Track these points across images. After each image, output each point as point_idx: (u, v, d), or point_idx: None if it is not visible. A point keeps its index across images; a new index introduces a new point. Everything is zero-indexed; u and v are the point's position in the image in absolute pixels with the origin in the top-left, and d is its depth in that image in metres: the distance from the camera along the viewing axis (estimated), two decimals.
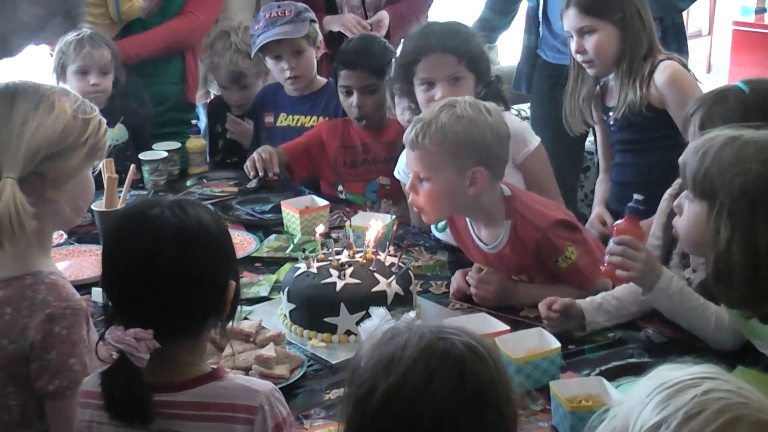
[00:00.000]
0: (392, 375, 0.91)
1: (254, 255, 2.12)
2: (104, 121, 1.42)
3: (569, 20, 2.09)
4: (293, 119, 2.74)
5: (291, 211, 2.25)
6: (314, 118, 2.69)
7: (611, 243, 1.59)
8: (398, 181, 2.31)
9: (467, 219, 1.85)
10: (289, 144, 2.57)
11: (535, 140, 2.08)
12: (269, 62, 2.65)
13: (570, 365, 1.56)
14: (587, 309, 1.66)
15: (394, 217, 2.01)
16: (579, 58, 2.12)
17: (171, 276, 1.11)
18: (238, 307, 1.19)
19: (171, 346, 1.13)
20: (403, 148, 1.85)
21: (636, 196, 1.58)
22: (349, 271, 1.70)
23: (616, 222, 1.63)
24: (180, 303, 1.12)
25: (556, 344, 1.53)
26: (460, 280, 1.84)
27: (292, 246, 2.11)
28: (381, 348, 0.95)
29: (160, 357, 1.12)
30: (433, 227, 2.16)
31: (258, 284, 1.94)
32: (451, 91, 1.99)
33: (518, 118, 2.06)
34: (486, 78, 2.10)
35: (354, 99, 2.45)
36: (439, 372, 0.91)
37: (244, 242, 2.21)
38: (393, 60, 2.32)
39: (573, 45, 2.11)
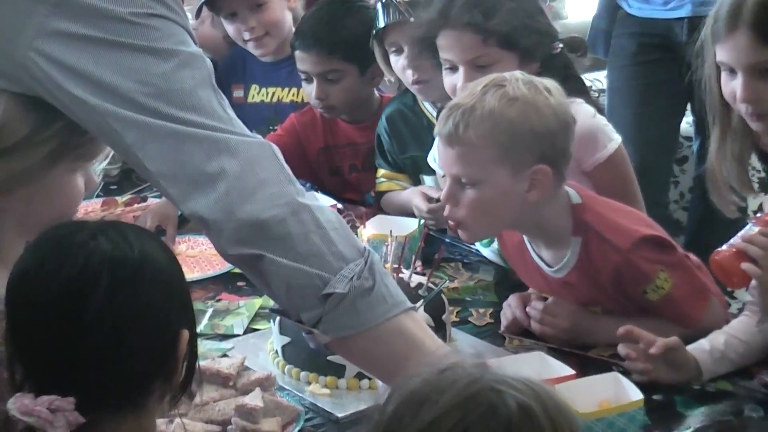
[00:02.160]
0: (417, 419, 0.92)
1: (235, 271, 2.12)
2: None
3: (736, 50, 1.63)
4: (267, 93, 2.78)
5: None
6: (294, 90, 2.73)
7: (750, 227, 1.59)
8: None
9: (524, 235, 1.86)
10: None
11: (612, 143, 2.04)
12: (225, 24, 2.69)
13: (656, 422, 1.56)
14: (703, 359, 1.66)
15: (422, 222, 2.04)
16: (744, 108, 1.67)
17: (102, 323, 1.08)
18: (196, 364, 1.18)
19: (101, 421, 1.10)
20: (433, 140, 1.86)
21: None
22: None
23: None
24: (114, 360, 1.10)
25: (638, 395, 1.53)
26: (516, 307, 1.85)
27: None
28: (425, 381, 0.95)
29: None
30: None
31: (234, 313, 1.96)
32: (477, 78, 1.93)
33: (593, 110, 2.02)
34: (539, 53, 2.07)
35: (313, 89, 2.49)
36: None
37: None
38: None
39: (739, 87, 1.65)
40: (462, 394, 0.92)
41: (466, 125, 1.68)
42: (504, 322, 1.87)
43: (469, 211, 1.73)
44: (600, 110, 2.08)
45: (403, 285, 1.72)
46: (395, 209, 2.36)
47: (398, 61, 2.34)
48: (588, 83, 2.34)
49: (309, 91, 2.53)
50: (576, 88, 2.06)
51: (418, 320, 1.35)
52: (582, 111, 1.97)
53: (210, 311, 1.97)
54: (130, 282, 1.10)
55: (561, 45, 2.11)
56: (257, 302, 1.98)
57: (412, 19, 2.24)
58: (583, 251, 1.76)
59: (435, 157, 2.21)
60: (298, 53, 2.50)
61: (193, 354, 1.17)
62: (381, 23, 2.35)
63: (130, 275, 1.10)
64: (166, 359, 1.13)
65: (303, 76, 2.52)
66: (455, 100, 1.77)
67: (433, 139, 2.15)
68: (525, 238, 1.85)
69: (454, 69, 2.07)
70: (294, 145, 2.59)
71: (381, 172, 2.52)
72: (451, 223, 1.79)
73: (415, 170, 2.47)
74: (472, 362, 0.97)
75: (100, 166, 1.50)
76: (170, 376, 1.14)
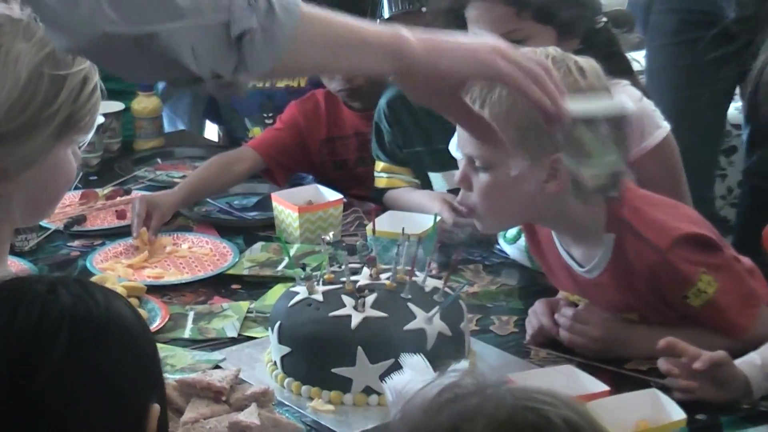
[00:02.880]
0: None
1: (230, 272, 2.15)
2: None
3: None
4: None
5: (286, 208, 2.25)
6: None
7: None
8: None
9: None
10: (259, 141, 2.60)
11: (660, 131, 2.05)
12: None
13: None
14: (754, 375, 1.64)
15: (438, 218, 2.02)
16: None
17: (58, 388, 1.04)
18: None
19: None
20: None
21: None
22: (370, 299, 1.71)
23: None
24: None
25: (680, 415, 1.52)
26: (543, 314, 1.85)
27: (286, 260, 2.12)
28: (433, 415, 0.93)
29: None
30: (500, 237, 2.19)
31: (221, 316, 1.97)
32: None
33: (639, 93, 2.02)
34: (579, 28, 2.07)
35: None
36: None
37: (215, 253, 2.24)
38: None
39: None
40: (495, 419, 0.90)
41: (483, 103, 1.68)
42: (529, 332, 1.86)
43: (481, 196, 1.74)
44: (647, 94, 2.07)
45: (417, 289, 1.73)
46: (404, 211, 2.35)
47: None
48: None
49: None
50: (620, 67, 2.05)
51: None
52: (627, 94, 1.96)
53: (191, 315, 1.98)
54: (93, 341, 1.07)
55: (605, 19, 2.10)
56: (244, 305, 2.00)
57: (424, 9, 2.23)
58: (617, 249, 1.75)
59: (456, 143, 2.17)
60: None
61: (163, 430, 1.13)
62: (386, 14, 2.34)
63: (94, 333, 1.07)
64: None
65: None
66: None
67: (443, 130, 2.16)
68: (553, 233, 1.85)
69: None
70: (296, 139, 2.60)
71: (380, 165, 2.51)
72: (464, 210, 1.80)
73: (419, 167, 2.47)
74: (473, 380, 0.94)
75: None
76: None
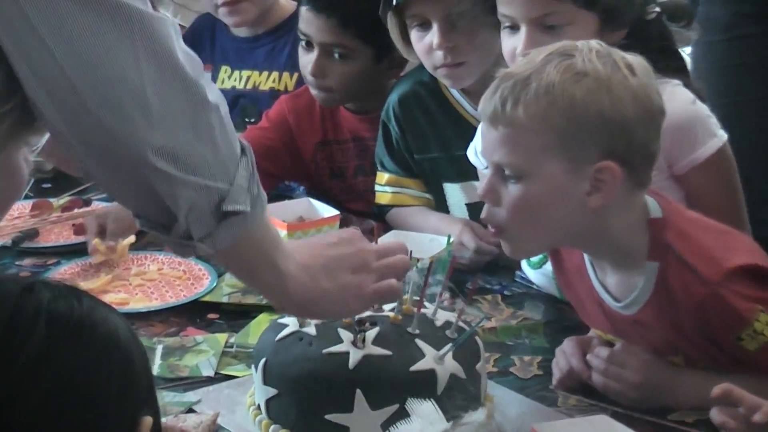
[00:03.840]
0: None
1: (206, 299, 2.17)
2: None
3: None
4: (240, 77, 2.83)
5: (274, 225, 2.26)
6: (275, 75, 2.78)
7: None
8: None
9: (584, 254, 1.85)
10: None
11: (715, 140, 2.05)
12: None
13: None
14: None
15: (452, 240, 2.02)
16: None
17: (35, 388, 1.06)
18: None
19: None
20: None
21: None
22: (371, 333, 1.70)
23: None
24: None
25: None
26: (572, 354, 1.85)
27: None
28: None
29: None
30: (524, 261, 2.19)
31: (194, 351, 1.98)
32: (542, 42, 1.93)
33: (693, 95, 2.02)
34: (627, 17, 2.07)
35: (312, 58, 2.51)
36: None
37: (189, 276, 2.27)
38: None
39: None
40: None
41: (516, 101, 1.68)
42: (557, 375, 1.86)
43: (511, 212, 1.73)
44: (701, 97, 2.08)
45: (426, 323, 1.74)
46: None
47: (422, 39, 2.36)
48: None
49: (305, 62, 2.54)
50: (673, 66, 2.06)
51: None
52: (678, 96, 1.97)
53: (160, 349, 1.99)
54: (73, 340, 1.09)
55: (658, 9, 2.11)
56: (222, 338, 2.01)
57: None
58: (661, 281, 1.75)
59: (477, 149, 2.19)
60: (303, 11, 2.53)
61: None
62: None
63: (75, 332, 1.10)
64: None
65: (303, 40, 2.54)
66: (508, 69, 1.76)
67: (463, 135, 2.17)
68: (586, 258, 1.85)
69: (514, 28, 2.07)
70: (284, 141, 2.62)
71: (384, 177, 2.53)
72: (491, 229, 1.79)
73: (434, 176, 2.48)
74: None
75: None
76: None
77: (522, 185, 1.71)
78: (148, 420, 1.14)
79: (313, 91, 2.58)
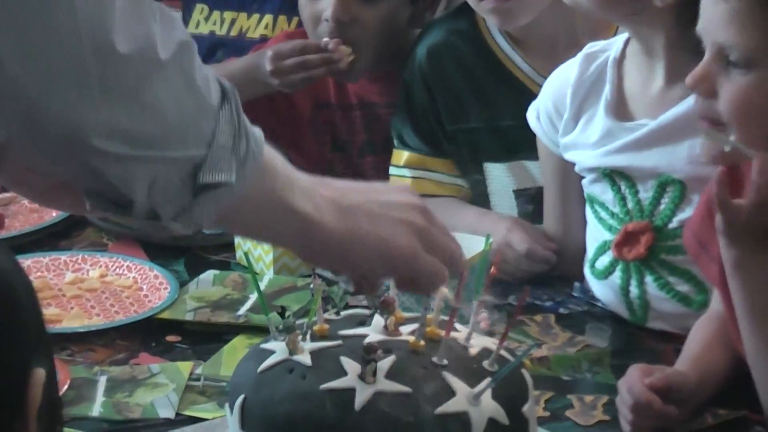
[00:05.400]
0: None
1: (164, 316, 2.18)
2: None
3: None
4: (222, 19, 2.87)
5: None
6: (267, 18, 2.84)
7: None
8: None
9: None
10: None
11: None
12: None
13: None
14: None
15: (490, 240, 1.98)
16: None
17: None
18: None
19: None
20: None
21: None
22: (385, 363, 1.68)
23: None
24: None
25: None
26: (637, 381, 1.86)
27: (253, 298, 2.17)
28: None
29: None
30: (587, 268, 2.25)
31: (148, 384, 1.98)
32: None
33: None
34: None
35: (327, 3, 2.52)
36: None
37: (141, 285, 2.28)
38: None
39: None
40: None
41: None
42: (626, 415, 1.87)
43: (732, 107, 1.77)
44: None
45: (457, 351, 1.71)
46: None
47: None
48: None
49: (316, 8, 2.55)
50: None
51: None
52: None
53: (102, 381, 1.99)
54: None
55: None
56: (185, 368, 2.02)
57: None
58: None
59: (539, 110, 2.25)
60: None
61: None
62: None
63: None
64: (9, 412, 1.16)
65: None
66: None
67: (512, 99, 2.22)
68: None
69: None
70: (268, 95, 2.62)
71: (403, 156, 2.56)
72: (703, 123, 1.83)
73: (472, 154, 2.49)
74: None
75: None
76: None
77: (752, 76, 1.75)
78: (39, 373, 1.17)
79: (319, 67, 2.54)
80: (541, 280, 2.27)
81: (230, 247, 2.35)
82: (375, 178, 2.56)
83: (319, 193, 1.56)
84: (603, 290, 2.21)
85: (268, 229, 1.56)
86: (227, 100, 1.46)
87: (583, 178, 2.26)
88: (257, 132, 1.50)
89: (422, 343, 1.70)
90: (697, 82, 1.80)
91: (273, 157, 1.53)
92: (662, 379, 1.83)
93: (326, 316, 1.78)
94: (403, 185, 1.64)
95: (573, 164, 2.26)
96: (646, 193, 2.16)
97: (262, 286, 2.15)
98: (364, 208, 1.60)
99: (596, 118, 2.21)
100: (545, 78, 2.34)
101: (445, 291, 1.77)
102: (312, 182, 1.58)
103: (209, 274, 2.27)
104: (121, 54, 1.36)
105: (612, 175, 2.18)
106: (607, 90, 2.20)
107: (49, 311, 2.16)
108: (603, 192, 2.21)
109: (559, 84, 2.28)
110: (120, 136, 1.36)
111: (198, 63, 1.45)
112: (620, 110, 2.20)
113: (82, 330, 2.11)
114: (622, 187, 2.18)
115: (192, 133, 1.41)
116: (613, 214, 2.21)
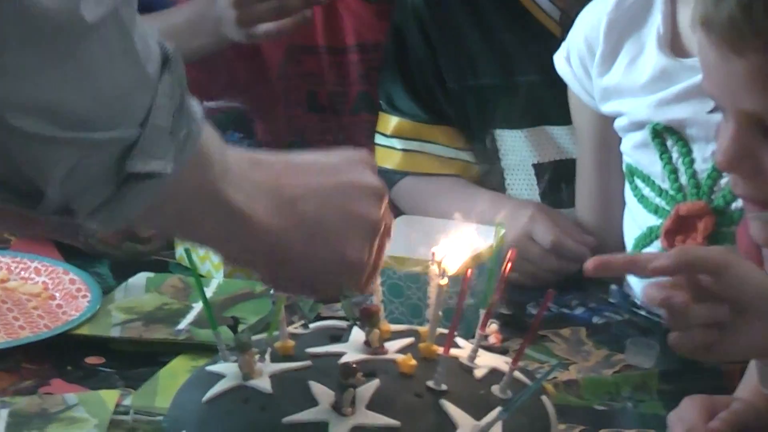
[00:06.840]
0: None
1: (83, 332, 2.20)
2: None
3: None
4: None
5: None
6: None
7: None
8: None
9: None
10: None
11: None
12: None
13: None
14: None
15: (502, 231, 2.04)
16: None
17: None
18: None
19: None
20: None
21: None
22: (366, 389, 1.69)
23: None
24: None
25: None
26: (697, 420, 1.87)
27: (194, 309, 2.24)
28: None
29: None
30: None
31: (63, 420, 2.00)
32: None
33: None
34: None
35: None
36: None
37: (54, 292, 2.32)
38: None
39: None
40: None
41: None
42: None
43: None
44: None
45: (459, 373, 1.73)
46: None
47: None
48: None
49: None
50: None
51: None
52: None
53: (4, 416, 2.00)
54: None
55: None
56: (111, 397, 2.04)
57: None
58: None
59: (569, 51, 2.31)
60: None
61: None
62: None
63: None
64: None
65: None
66: None
67: (531, 48, 2.29)
68: None
69: None
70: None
71: (391, 123, 2.60)
72: (750, 206, 1.85)
73: (481, 119, 2.53)
74: None
75: None
76: None
77: None
78: None
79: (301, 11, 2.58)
80: (570, 283, 2.29)
81: (168, 245, 2.39)
82: (368, 144, 2.60)
83: (252, 179, 1.58)
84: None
85: (194, 227, 1.57)
86: (168, 68, 1.45)
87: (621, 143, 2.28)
88: (195, 105, 1.49)
89: (414, 362, 1.71)
90: (735, 162, 1.80)
91: (208, 136, 1.53)
92: (731, 423, 1.85)
93: (291, 329, 1.80)
94: (360, 152, 1.67)
95: (613, 121, 2.27)
96: (704, 164, 2.18)
97: (209, 292, 2.19)
98: (309, 198, 1.62)
99: (644, 55, 2.24)
100: (574, 20, 2.35)
101: (444, 296, 1.77)
102: (244, 162, 1.59)
103: (141, 278, 2.31)
104: (43, 7, 1.34)
105: (664, 136, 2.20)
106: (659, 20, 2.22)
107: None
108: (650, 162, 2.23)
109: (594, 15, 2.31)
110: (40, 112, 1.36)
111: (138, 19, 1.43)
112: (676, 46, 2.22)
113: None
114: (674, 155, 2.20)
115: (123, 110, 1.40)
116: (661, 191, 2.23)
